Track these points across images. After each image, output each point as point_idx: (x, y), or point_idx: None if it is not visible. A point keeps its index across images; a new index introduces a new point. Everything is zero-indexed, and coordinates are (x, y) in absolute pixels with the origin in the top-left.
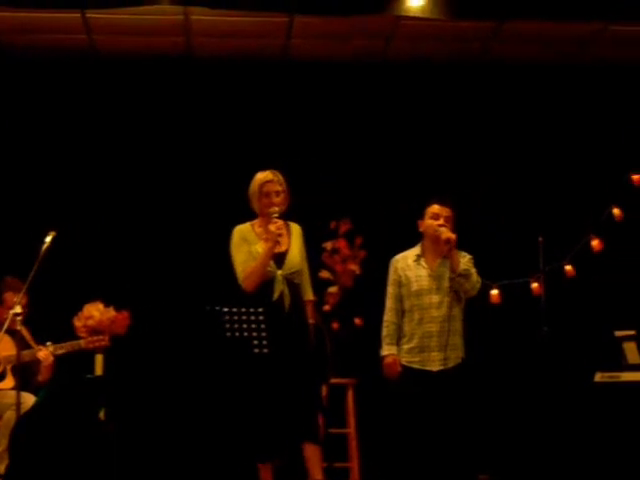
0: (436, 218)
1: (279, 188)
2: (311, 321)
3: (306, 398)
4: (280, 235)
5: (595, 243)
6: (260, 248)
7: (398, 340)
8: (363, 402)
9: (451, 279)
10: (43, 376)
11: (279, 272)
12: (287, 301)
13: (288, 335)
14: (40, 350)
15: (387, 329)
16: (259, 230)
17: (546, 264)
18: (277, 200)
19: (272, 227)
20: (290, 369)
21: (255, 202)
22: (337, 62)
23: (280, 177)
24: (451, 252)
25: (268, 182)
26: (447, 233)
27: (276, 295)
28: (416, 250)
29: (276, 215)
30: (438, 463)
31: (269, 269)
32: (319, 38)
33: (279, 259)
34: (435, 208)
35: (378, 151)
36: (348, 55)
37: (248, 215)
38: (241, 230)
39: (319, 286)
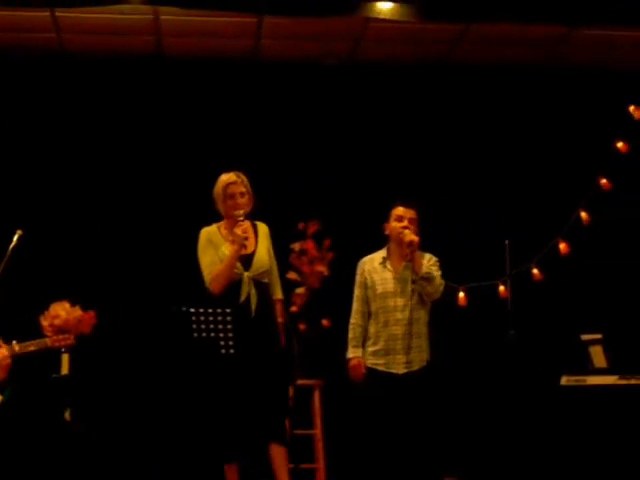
0: (400, 220)
1: (243, 189)
2: (280, 320)
3: (274, 399)
4: (246, 238)
5: (562, 246)
6: (227, 250)
7: (364, 342)
8: (329, 403)
9: (413, 281)
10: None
11: (246, 274)
12: (254, 302)
13: (255, 337)
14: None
15: (353, 332)
16: (225, 232)
17: (513, 267)
18: (242, 201)
19: (238, 230)
20: (258, 370)
21: (220, 204)
22: (306, 63)
23: (244, 178)
24: (413, 254)
25: (232, 184)
26: (410, 236)
27: (243, 297)
28: (382, 253)
29: (241, 217)
30: (404, 465)
31: (236, 271)
32: (288, 39)
33: (246, 260)
34: (399, 210)
35: (347, 152)
36: (317, 56)
37: (216, 216)
38: (207, 232)
39: (286, 287)
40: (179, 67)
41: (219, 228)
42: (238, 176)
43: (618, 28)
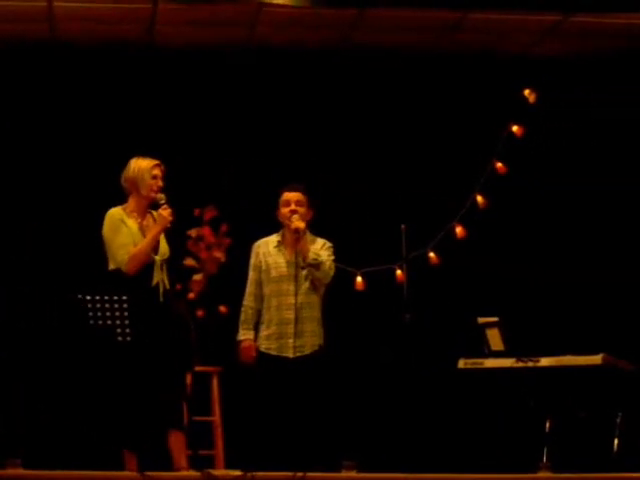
0: (287, 205)
1: (161, 174)
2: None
3: (172, 386)
4: (171, 221)
5: (458, 230)
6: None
7: (257, 326)
8: (228, 390)
9: (302, 268)
10: None
11: (157, 257)
12: (162, 288)
13: (161, 322)
14: None
15: (245, 314)
16: (133, 214)
17: (409, 251)
18: (161, 185)
19: (164, 212)
20: (158, 357)
21: (142, 185)
22: (202, 49)
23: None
24: (299, 242)
25: (157, 166)
26: (296, 222)
27: (155, 281)
28: (277, 237)
29: (163, 200)
30: (301, 449)
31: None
32: (183, 25)
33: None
34: (285, 195)
35: (243, 138)
36: (214, 41)
37: (102, 202)
38: (117, 213)
39: (184, 274)
40: (74, 53)
41: (125, 210)
42: (159, 161)
43: (507, 12)
